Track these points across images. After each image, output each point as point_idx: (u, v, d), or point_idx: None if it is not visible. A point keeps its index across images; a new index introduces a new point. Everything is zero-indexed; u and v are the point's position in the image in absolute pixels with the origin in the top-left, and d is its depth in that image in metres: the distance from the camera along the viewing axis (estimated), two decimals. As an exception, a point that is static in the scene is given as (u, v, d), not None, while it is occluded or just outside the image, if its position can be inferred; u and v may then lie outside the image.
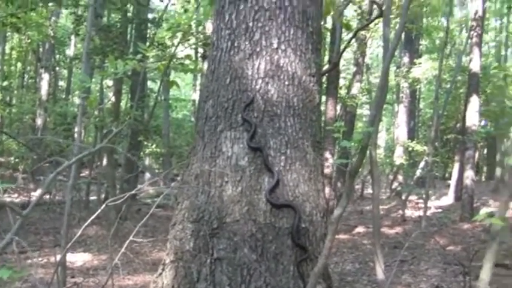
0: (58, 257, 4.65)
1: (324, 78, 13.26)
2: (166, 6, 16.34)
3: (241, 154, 4.48)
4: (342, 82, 20.74)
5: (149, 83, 23.80)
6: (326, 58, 15.32)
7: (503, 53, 32.41)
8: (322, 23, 7.52)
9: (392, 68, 26.04)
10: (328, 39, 15.22)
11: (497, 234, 3.48)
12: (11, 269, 2.65)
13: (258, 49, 4.68)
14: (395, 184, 22.01)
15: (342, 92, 18.41)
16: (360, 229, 13.46)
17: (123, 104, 20.60)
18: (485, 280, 3.48)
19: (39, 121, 22.50)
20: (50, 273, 6.59)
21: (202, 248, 4.35)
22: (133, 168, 14.45)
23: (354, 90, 16.60)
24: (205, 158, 4.62)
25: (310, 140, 4.72)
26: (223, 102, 4.68)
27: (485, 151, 32.62)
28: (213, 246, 4.33)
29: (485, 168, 33.62)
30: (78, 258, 8.81)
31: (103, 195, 14.46)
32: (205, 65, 15.15)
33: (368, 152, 4.63)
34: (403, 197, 16.75)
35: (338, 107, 15.78)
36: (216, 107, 4.72)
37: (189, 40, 10.57)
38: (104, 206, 4.30)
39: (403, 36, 22.51)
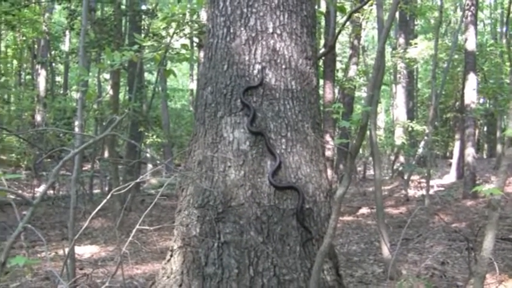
0: (66, 249, 4.70)
1: (321, 62, 13.29)
2: (160, -3, 16.33)
3: (242, 139, 4.51)
4: (338, 65, 20.79)
5: (146, 75, 23.85)
6: (322, 42, 15.35)
7: (499, 30, 32.35)
8: (316, 6, 7.54)
9: (388, 50, 26.04)
10: (323, 23, 15.24)
11: (498, 204, 3.54)
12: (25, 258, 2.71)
13: (253, 34, 4.69)
14: (397, 164, 22.07)
15: (339, 75, 18.45)
16: (364, 210, 13.56)
17: (121, 96, 20.64)
18: (489, 249, 3.54)
19: (38, 117, 22.57)
20: (58, 266, 6.68)
21: (208, 233, 4.39)
22: (135, 159, 14.52)
23: (351, 73, 16.64)
24: (207, 144, 4.65)
25: (310, 122, 4.74)
26: (221, 88, 4.70)
27: (485, 129, 32.68)
28: (219, 230, 4.37)
29: (486, 146, 33.71)
30: (85, 251, 8.89)
31: (106, 188, 14.53)
32: (202, 54, 15.15)
33: (368, 133, 4.67)
34: (405, 177, 16.84)
35: (336, 90, 15.83)
36: (215, 93, 4.74)
37: (184, 30, 10.58)
38: (109, 196, 4.36)
39: (397, 17, 22.49)
